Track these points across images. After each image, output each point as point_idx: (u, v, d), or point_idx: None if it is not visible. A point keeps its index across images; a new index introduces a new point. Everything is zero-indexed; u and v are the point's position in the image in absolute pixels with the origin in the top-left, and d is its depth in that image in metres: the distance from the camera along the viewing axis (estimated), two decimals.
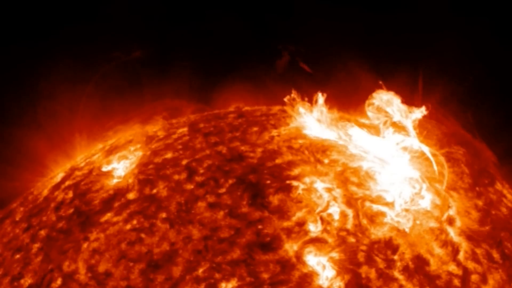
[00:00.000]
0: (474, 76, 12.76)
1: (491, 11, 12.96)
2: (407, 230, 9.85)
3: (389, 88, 12.41)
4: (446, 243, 9.90)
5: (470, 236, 10.15)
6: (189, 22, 13.41)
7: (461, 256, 9.84)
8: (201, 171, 10.67)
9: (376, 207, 10.05)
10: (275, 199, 10.02)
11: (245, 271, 9.23)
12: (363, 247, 9.53)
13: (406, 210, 10.12)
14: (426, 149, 11.52)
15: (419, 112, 11.10)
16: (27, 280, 10.15)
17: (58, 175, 12.36)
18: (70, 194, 11.20)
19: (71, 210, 10.79)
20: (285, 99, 11.77)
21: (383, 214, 9.99)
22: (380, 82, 11.36)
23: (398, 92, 12.47)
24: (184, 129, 12.11)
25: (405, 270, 9.43)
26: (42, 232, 10.74)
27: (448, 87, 12.66)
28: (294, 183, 10.25)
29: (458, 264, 9.73)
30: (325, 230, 9.67)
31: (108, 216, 10.37)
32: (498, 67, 12.69)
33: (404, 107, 11.18)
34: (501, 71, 12.69)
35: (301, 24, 14.09)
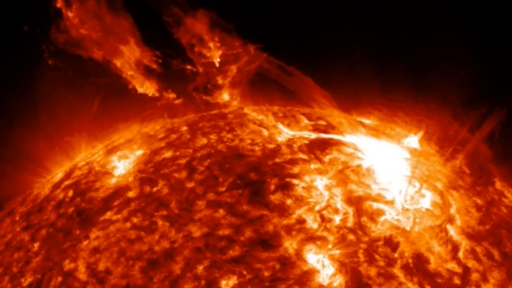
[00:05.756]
0: (474, 76, 12.77)
1: (489, 11, 12.99)
2: (407, 228, 9.84)
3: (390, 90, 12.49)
4: (446, 241, 9.89)
5: (470, 234, 10.14)
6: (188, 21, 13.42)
7: (461, 254, 9.82)
8: (201, 169, 10.68)
9: (376, 205, 10.05)
10: (275, 197, 10.02)
11: (245, 269, 9.22)
12: (363, 245, 9.52)
13: (406, 209, 10.11)
14: (426, 149, 11.55)
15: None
16: (27, 279, 10.15)
17: (58, 175, 12.38)
18: (71, 193, 11.20)
19: (72, 209, 10.79)
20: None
21: (383, 212, 9.99)
22: None
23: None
24: (184, 128, 12.14)
25: (405, 268, 9.41)
26: (42, 231, 10.73)
27: (448, 88, 12.68)
28: (294, 181, 10.26)
29: (458, 262, 9.72)
30: (325, 228, 9.66)
31: (108, 214, 10.37)
32: (498, 67, 12.71)
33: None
34: (500, 71, 12.70)
35: (302, 26, 14.11)
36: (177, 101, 13.70)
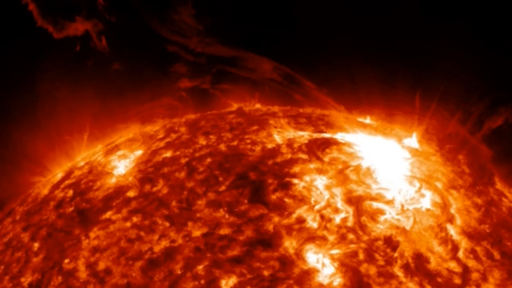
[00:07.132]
0: (473, 76, 12.76)
1: (489, 11, 12.98)
2: (407, 228, 9.84)
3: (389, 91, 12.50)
4: (446, 241, 9.89)
5: (470, 234, 10.14)
6: (190, 20, 13.44)
7: (461, 254, 9.82)
8: (201, 169, 10.68)
9: (376, 205, 10.05)
10: (275, 197, 10.02)
11: (245, 268, 9.22)
12: (363, 245, 9.52)
13: (406, 208, 10.11)
14: (426, 149, 11.54)
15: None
16: (28, 278, 10.15)
17: (58, 175, 12.38)
18: (70, 193, 11.21)
19: (71, 209, 10.80)
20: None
21: (383, 212, 9.99)
22: None
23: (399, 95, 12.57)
24: (184, 128, 12.14)
25: (405, 267, 9.41)
26: (42, 231, 10.73)
27: (448, 87, 12.67)
28: (294, 180, 10.25)
29: (458, 262, 9.72)
30: (325, 228, 9.66)
31: (108, 214, 10.37)
32: (498, 67, 12.70)
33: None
34: (500, 71, 12.70)
35: (301, 26, 14.10)
36: (177, 101, 13.72)
